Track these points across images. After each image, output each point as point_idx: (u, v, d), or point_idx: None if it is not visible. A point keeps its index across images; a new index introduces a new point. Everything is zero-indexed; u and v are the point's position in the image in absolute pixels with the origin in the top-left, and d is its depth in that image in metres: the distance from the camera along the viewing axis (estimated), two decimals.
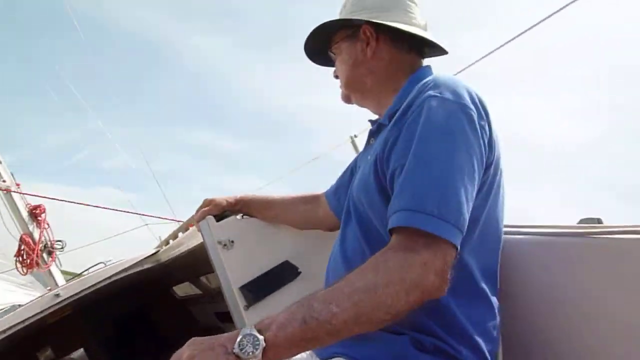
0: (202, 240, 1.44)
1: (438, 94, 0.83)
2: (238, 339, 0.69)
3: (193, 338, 0.73)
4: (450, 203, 0.75)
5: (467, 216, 0.77)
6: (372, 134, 1.09)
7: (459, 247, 0.76)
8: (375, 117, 1.13)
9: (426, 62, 1.10)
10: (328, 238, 1.38)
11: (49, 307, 2.02)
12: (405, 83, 1.02)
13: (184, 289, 3.12)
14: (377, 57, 1.05)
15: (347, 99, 1.15)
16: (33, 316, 1.98)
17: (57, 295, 2.05)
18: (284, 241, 1.39)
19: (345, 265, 0.98)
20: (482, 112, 0.85)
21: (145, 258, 2.27)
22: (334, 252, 1.06)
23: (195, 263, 2.21)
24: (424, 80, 0.92)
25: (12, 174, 3.05)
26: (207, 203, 1.37)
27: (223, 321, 2.80)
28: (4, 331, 1.91)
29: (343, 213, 1.07)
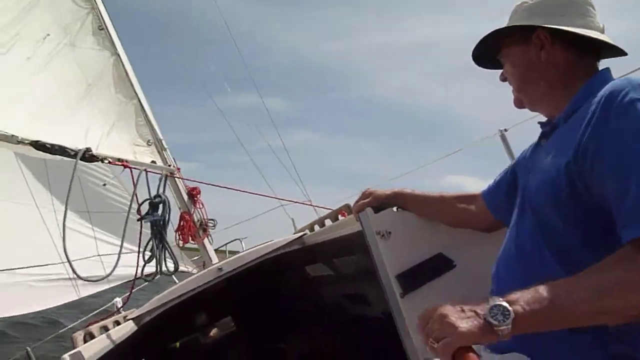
0: (352, 230, 1.55)
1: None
2: (488, 307, 0.76)
3: (438, 303, 0.82)
4: None
5: None
6: (544, 135, 1.10)
7: None
8: (542, 118, 1.14)
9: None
10: (481, 237, 1.41)
11: (214, 279, 2.33)
12: (583, 86, 1.01)
13: (316, 269, 3.33)
14: (551, 61, 1.05)
15: (519, 102, 1.16)
16: (201, 285, 2.31)
17: (220, 269, 2.36)
18: (439, 235, 1.44)
19: (520, 262, 1.01)
20: None
21: (293, 240, 2.48)
22: (507, 247, 1.08)
23: (334, 248, 2.36)
24: (613, 85, 0.88)
25: (174, 159, 3.50)
26: (367, 195, 1.48)
27: (353, 303, 2.94)
28: (180, 296, 2.26)
29: (516, 210, 1.08)
